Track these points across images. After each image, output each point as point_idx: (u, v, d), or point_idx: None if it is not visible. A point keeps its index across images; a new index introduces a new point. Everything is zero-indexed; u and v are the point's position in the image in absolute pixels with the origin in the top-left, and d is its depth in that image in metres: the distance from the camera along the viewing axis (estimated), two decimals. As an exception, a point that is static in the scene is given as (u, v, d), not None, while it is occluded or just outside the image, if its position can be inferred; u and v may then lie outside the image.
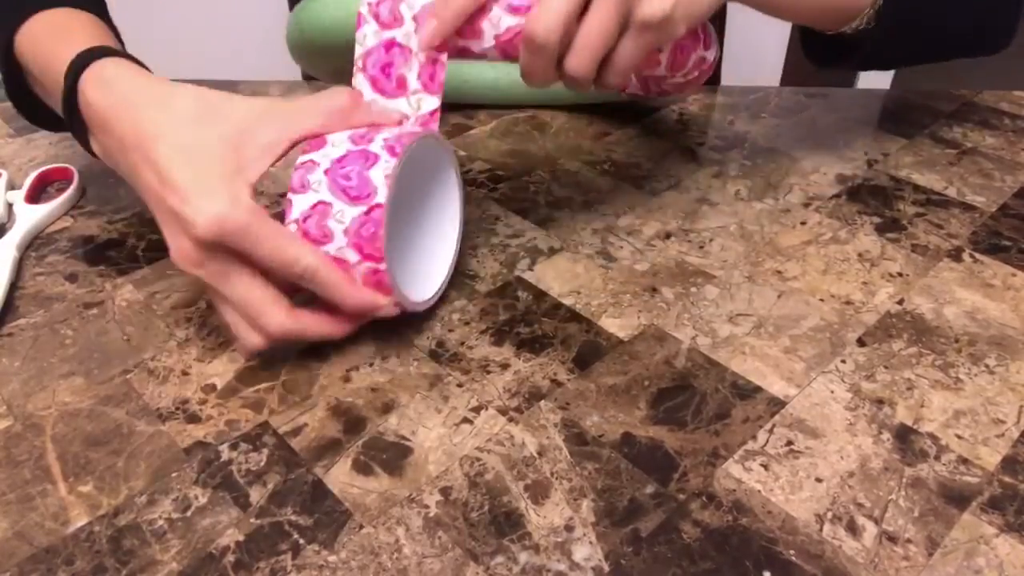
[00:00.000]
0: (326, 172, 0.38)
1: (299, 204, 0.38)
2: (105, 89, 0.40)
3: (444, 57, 0.41)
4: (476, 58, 0.41)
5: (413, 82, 0.41)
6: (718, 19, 0.79)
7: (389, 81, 0.42)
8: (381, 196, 0.37)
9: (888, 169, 0.58)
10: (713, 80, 0.80)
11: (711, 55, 0.50)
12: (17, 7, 0.45)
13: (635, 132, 0.64)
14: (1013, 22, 0.55)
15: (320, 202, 0.37)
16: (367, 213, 0.37)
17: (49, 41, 0.44)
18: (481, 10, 0.40)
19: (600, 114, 0.66)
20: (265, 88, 0.71)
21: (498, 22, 0.39)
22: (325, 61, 0.61)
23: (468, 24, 0.40)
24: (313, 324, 0.39)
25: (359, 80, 0.42)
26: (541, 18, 0.38)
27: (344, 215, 0.37)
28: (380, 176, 0.37)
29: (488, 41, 0.40)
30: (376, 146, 0.38)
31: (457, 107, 0.67)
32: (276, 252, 0.37)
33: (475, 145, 0.62)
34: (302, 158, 0.39)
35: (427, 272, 0.45)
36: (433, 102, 0.42)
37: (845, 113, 0.67)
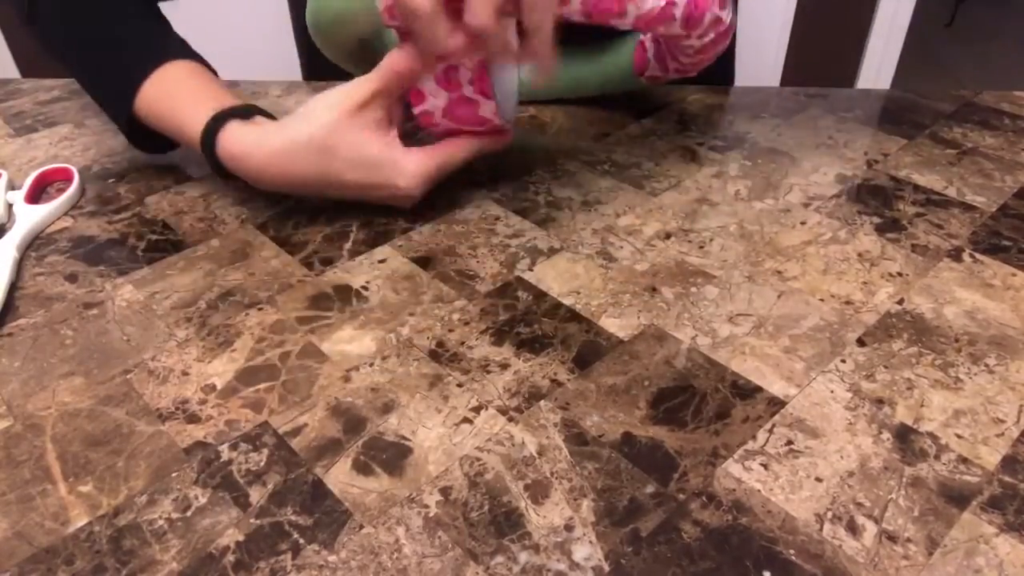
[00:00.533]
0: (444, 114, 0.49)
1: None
2: (242, 149, 0.49)
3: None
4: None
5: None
6: None
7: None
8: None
9: (888, 169, 0.58)
10: (726, 79, 0.80)
11: (727, 16, 0.50)
12: (131, 72, 0.53)
13: (635, 132, 0.64)
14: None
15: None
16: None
17: (170, 112, 0.53)
18: None
19: (600, 114, 0.66)
20: (265, 88, 0.71)
21: None
22: (342, 37, 0.61)
23: None
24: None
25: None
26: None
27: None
28: (489, 112, 0.48)
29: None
30: (469, 92, 0.47)
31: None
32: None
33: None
34: (417, 111, 0.49)
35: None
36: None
37: (845, 113, 0.67)
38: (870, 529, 0.32)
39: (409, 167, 0.49)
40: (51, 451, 0.36)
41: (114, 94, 0.55)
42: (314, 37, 0.58)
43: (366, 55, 0.58)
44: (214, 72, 0.56)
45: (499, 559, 0.31)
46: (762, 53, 1.73)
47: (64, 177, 0.57)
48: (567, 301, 0.45)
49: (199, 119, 0.50)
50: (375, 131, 0.48)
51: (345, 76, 0.57)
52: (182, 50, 0.55)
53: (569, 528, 0.32)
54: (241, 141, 0.49)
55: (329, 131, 0.47)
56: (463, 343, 0.42)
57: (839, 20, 1.71)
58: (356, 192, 0.50)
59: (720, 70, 0.64)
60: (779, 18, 1.69)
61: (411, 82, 0.48)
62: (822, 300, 0.45)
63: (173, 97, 0.52)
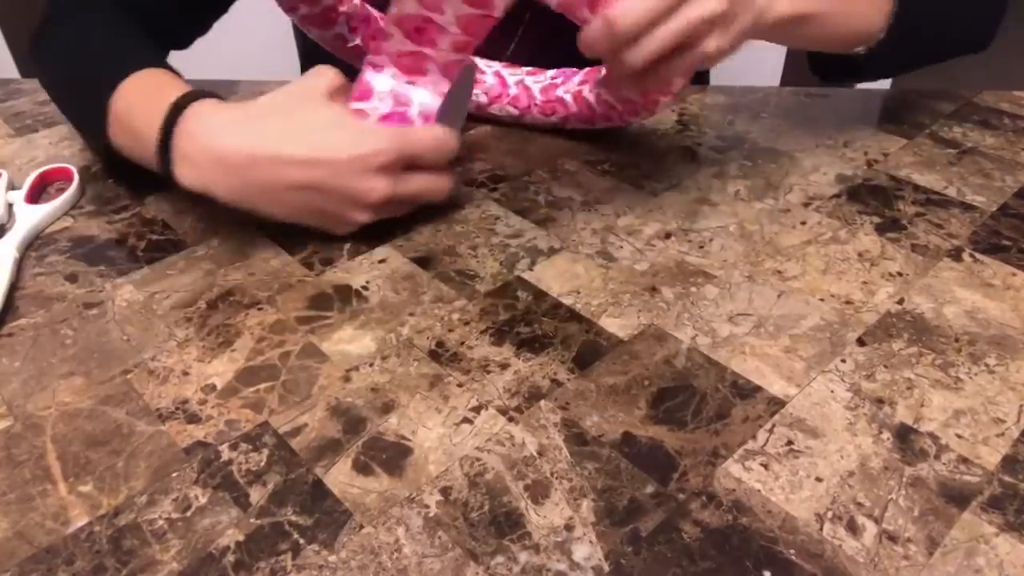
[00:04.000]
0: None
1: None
2: (199, 123, 0.46)
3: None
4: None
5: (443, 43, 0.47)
6: None
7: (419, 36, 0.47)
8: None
9: (888, 169, 0.58)
10: (701, 79, 0.80)
11: (678, 84, 0.52)
12: (108, 76, 0.51)
13: (635, 132, 0.64)
14: (999, 15, 0.58)
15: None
16: None
17: (143, 100, 0.50)
18: None
19: (600, 114, 0.66)
20: (265, 88, 0.71)
21: None
22: None
23: None
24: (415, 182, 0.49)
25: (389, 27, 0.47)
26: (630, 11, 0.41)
27: None
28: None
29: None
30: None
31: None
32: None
33: (475, 145, 0.62)
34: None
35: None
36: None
37: (845, 113, 0.67)
38: (870, 529, 0.32)
39: (382, 128, 0.48)
40: (51, 451, 0.36)
41: (89, 120, 0.54)
42: None
43: None
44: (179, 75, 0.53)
45: (499, 559, 0.31)
46: (762, 53, 1.73)
47: (64, 177, 0.57)
48: (567, 301, 0.45)
49: (159, 109, 0.47)
50: (338, 103, 0.48)
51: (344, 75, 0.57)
52: (144, 60, 0.53)
53: (569, 528, 0.32)
54: (200, 114, 0.46)
55: (304, 89, 0.47)
56: (463, 343, 0.42)
57: (839, 20, 1.70)
58: (320, 171, 0.45)
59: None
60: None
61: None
62: (822, 300, 0.45)
63: (138, 98, 0.50)
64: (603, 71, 0.58)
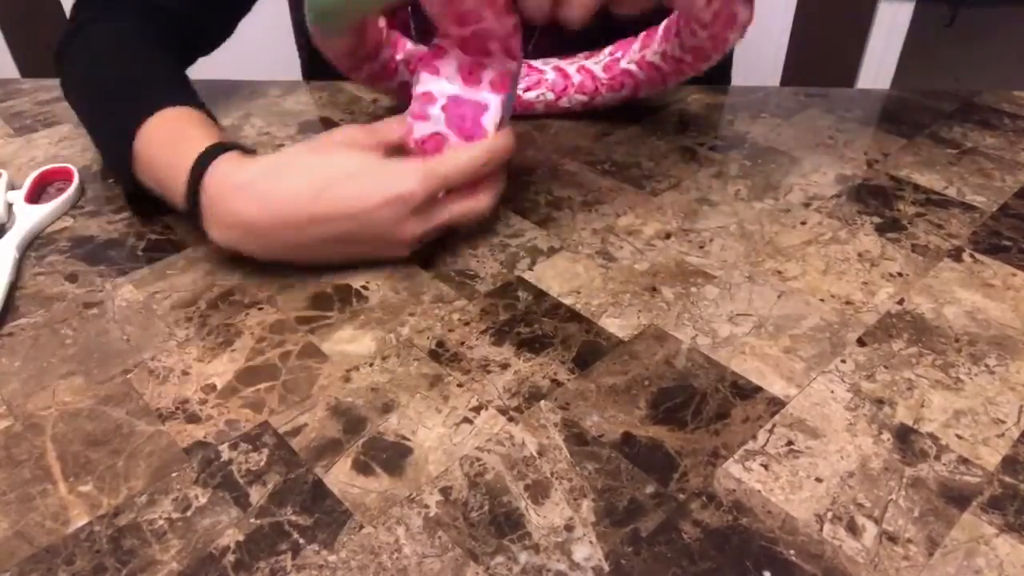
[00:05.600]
0: (443, 108, 0.46)
1: (420, 129, 0.46)
2: (224, 177, 0.45)
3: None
4: None
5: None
6: None
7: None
8: (488, 135, 0.46)
9: (888, 169, 0.58)
10: (723, 79, 0.80)
11: (744, 14, 0.50)
12: (133, 112, 0.50)
13: (635, 132, 0.64)
14: None
15: (437, 133, 0.46)
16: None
17: (165, 149, 0.48)
18: None
19: (600, 114, 0.66)
20: (265, 88, 0.71)
21: None
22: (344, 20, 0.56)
23: None
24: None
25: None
26: None
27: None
28: (491, 124, 0.46)
29: None
30: (484, 92, 0.46)
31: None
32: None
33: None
34: (421, 86, 0.46)
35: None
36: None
37: (845, 113, 0.67)
38: (870, 529, 0.32)
39: (409, 166, 0.45)
40: (51, 451, 0.36)
41: (114, 159, 0.52)
42: (313, 26, 0.56)
43: (365, 50, 0.56)
44: (212, 117, 0.53)
45: (499, 559, 0.31)
46: (762, 53, 1.73)
47: (64, 177, 0.57)
48: (567, 301, 0.45)
49: (183, 167, 0.46)
50: (360, 148, 0.46)
51: (344, 75, 0.57)
52: (178, 94, 0.52)
53: (569, 528, 0.32)
54: (222, 177, 0.45)
55: (323, 141, 0.46)
56: (463, 343, 0.42)
57: (839, 20, 1.71)
58: (350, 223, 0.44)
59: (717, 69, 0.64)
60: (779, 18, 1.69)
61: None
62: (822, 300, 0.45)
63: (162, 144, 0.49)
64: (661, 29, 0.58)
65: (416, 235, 0.46)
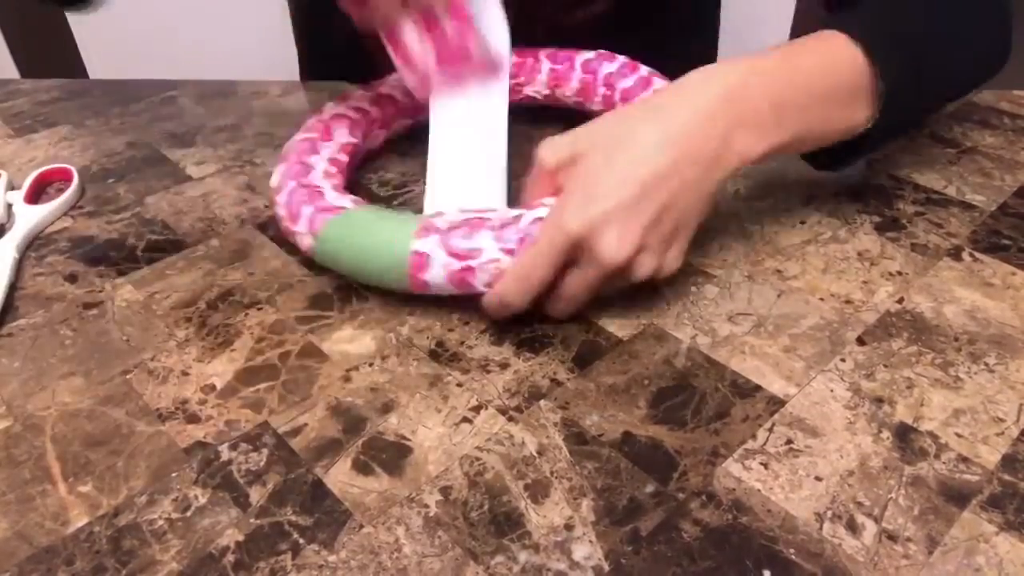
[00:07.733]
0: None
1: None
2: None
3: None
4: None
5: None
6: (711, 22, 0.79)
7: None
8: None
9: (888, 168, 0.58)
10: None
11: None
12: None
13: (635, 132, 0.64)
14: (1007, 45, 0.53)
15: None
16: None
17: None
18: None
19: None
20: (265, 88, 0.71)
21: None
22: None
23: None
24: None
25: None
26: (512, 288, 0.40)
27: None
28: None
29: None
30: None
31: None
32: None
33: (475, 145, 0.62)
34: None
35: None
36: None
37: (845, 112, 0.66)
38: (870, 528, 0.32)
39: None
40: (51, 451, 0.36)
41: None
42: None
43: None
44: None
45: (499, 559, 0.31)
46: (762, 53, 1.73)
47: (64, 177, 0.57)
48: (567, 301, 0.45)
49: None
50: None
51: (344, 76, 0.57)
52: None
53: (569, 527, 0.32)
54: None
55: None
56: (463, 343, 0.42)
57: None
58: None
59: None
60: (779, 18, 1.69)
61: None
62: (822, 299, 0.45)
63: None
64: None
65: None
